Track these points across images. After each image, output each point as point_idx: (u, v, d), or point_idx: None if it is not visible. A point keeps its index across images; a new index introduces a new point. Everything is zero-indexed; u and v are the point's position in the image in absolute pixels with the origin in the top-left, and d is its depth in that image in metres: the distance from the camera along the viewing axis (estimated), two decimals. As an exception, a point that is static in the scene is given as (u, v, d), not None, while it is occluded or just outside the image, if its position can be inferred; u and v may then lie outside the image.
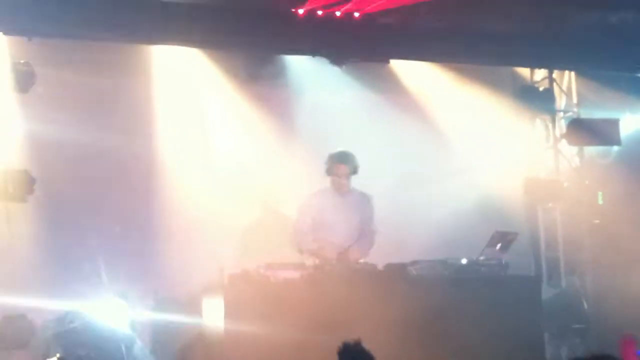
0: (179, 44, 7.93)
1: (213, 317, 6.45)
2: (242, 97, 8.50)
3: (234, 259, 7.47)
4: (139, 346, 6.50)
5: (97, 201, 7.75)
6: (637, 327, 7.72)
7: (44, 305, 6.45)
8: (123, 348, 5.70)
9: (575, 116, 9.17)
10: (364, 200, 7.37)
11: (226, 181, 8.33)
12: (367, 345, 6.14)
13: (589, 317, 8.55)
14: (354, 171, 7.21)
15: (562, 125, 9.20)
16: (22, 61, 7.21)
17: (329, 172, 7.25)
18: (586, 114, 9.12)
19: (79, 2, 7.10)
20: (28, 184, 6.98)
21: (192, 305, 6.69)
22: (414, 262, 6.81)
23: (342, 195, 7.26)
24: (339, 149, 7.28)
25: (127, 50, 7.82)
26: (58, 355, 4.84)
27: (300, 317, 6.27)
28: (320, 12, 7.69)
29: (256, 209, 8.32)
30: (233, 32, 7.72)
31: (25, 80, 7.19)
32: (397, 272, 6.78)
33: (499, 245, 7.01)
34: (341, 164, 7.18)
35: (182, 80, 8.27)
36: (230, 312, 6.26)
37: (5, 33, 7.12)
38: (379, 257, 7.14)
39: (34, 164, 7.21)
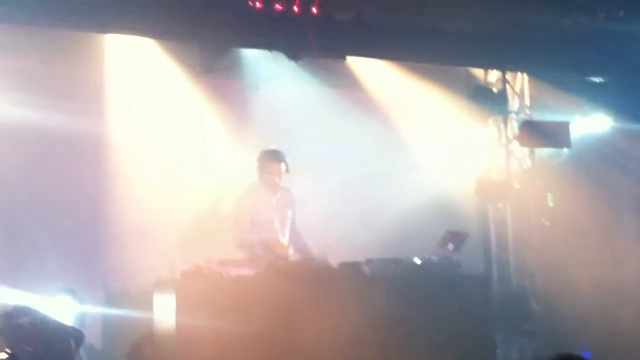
0: (132, 34, 7.77)
1: (164, 313, 6.35)
2: (196, 89, 8.39)
3: (180, 253, 7.38)
4: (88, 342, 6.37)
5: (46, 192, 7.56)
6: (585, 328, 7.90)
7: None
8: (72, 343, 5.54)
9: (527, 118, 9.27)
10: (291, 198, 7.42)
11: (178, 174, 8.22)
12: (319, 342, 6.18)
13: (538, 317, 8.66)
14: (287, 169, 7.24)
15: (514, 126, 9.29)
16: (-31, 46, 7.02)
17: (262, 169, 7.24)
18: (538, 115, 9.23)
19: (30, -12, 6.90)
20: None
21: (144, 300, 6.58)
22: (368, 261, 6.83)
23: (274, 192, 7.27)
24: (271, 147, 7.26)
25: (80, 38, 7.64)
26: (6, 350, 4.68)
27: (253, 314, 6.23)
28: (278, 6, 7.60)
29: (207, 204, 8.23)
30: (188, 23, 7.58)
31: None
32: (350, 271, 6.78)
33: (450, 245, 7.06)
34: (275, 162, 7.20)
35: (135, 71, 8.12)
36: (182, 308, 6.19)
37: (-48, 17, 6.87)
38: (332, 253, 7.13)
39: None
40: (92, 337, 6.82)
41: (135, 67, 8.08)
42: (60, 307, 6.47)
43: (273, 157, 7.23)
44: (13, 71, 7.39)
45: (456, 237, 7.15)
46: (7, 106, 7.30)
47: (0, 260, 7.09)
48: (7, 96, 7.28)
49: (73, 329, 5.85)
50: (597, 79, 9.05)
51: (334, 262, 6.89)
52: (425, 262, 6.88)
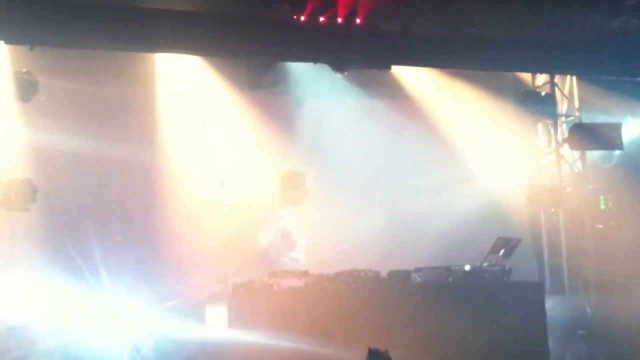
0: (181, 52, 7.90)
1: (217, 325, 6.44)
2: (244, 104, 8.48)
3: (232, 267, 7.46)
4: (142, 356, 6.50)
5: (100, 210, 7.72)
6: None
7: (46, 315, 6.43)
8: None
9: (577, 120, 9.13)
10: None
11: (229, 189, 8.30)
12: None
13: (592, 323, 8.50)
14: None
15: (564, 129, 9.17)
16: (24, 70, 7.21)
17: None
18: (588, 118, 9.09)
19: (81, 11, 7.03)
20: (31, 193, 6.97)
21: (196, 314, 6.68)
22: (418, 269, 6.83)
23: None
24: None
25: (130, 58, 7.80)
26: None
27: (304, 325, 6.28)
28: (321, 19, 7.65)
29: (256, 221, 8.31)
30: (234, 40, 7.67)
31: (27, 89, 7.18)
32: (401, 279, 6.80)
33: (502, 251, 7.01)
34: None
35: (184, 88, 8.25)
36: (234, 320, 6.27)
37: (6, 42, 7.08)
38: (382, 264, 7.14)
39: (36, 173, 7.21)
40: (145, 349, 6.91)
41: (184, 84, 8.21)
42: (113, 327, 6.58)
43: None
44: (67, 94, 7.59)
45: (508, 244, 7.10)
46: (63, 128, 7.48)
47: (58, 276, 7.22)
48: (62, 118, 7.47)
49: (128, 341, 5.99)
50: (648, 79, 8.87)
51: (385, 271, 6.90)
52: (475, 269, 6.84)
